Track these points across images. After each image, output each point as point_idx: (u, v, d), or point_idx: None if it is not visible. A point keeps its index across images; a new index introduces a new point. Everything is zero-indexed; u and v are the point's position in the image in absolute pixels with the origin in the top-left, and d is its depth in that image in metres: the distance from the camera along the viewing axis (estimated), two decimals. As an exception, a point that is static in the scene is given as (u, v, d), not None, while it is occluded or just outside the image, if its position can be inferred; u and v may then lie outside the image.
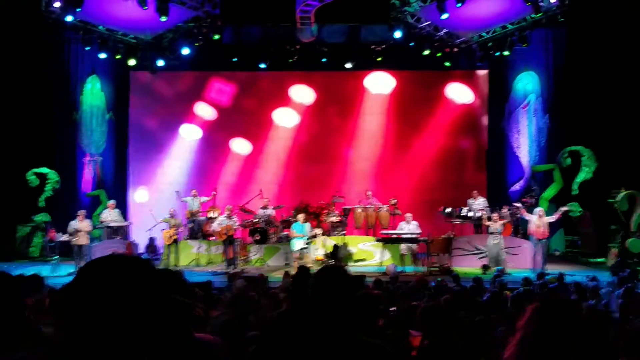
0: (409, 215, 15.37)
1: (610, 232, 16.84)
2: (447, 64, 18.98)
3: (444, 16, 16.29)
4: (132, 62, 18.61)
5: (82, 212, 15.41)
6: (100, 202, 18.58)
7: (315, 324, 2.50)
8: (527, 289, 9.12)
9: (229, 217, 15.37)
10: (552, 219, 14.87)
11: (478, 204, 16.81)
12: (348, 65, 19.17)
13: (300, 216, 15.80)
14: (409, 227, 15.12)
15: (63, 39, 18.22)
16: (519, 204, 15.66)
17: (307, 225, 15.66)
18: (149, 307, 1.54)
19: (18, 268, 13.92)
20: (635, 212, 16.38)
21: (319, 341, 2.45)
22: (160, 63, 19.16)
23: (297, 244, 15.44)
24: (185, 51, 18.48)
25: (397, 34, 17.81)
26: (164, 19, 16.21)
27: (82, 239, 15.04)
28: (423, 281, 10.05)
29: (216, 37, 18.47)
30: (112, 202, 17.38)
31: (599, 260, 16.70)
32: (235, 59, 19.22)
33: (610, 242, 16.12)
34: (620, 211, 16.47)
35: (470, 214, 16.46)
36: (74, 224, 15.04)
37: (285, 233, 17.04)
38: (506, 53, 17.91)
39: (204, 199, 17.60)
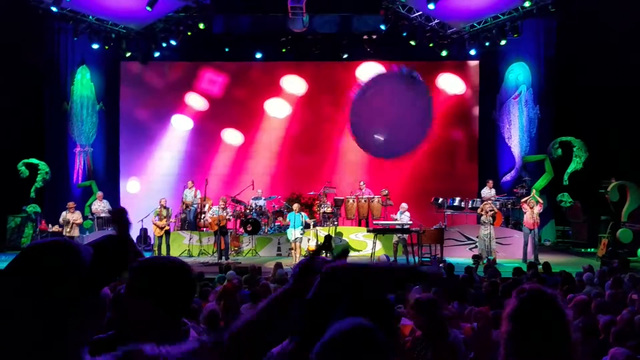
0: (403, 205, 15.37)
1: (601, 222, 16.95)
2: (444, 53, 18.89)
3: (431, 6, 16.31)
4: (122, 52, 18.48)
5: (72, 204, 15.39)
6: (91, 193, 18.52)
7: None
8: (518, 279, 9.19)
9: (223, 208, 15.34)
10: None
11: (488, 193, 16.83)
12: (340, 56, 19.12)
13: (295, 205, 15.79)
14: (401, 217, 15.14)
15: (53, 29, 18.11)
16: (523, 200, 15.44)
17: (303, 214, 15.66)
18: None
19: (9, 259, 13.86)
20: (625, 203, 16.48)
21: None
22: (151, 53, 19.04)
23: (293, 234, 15.44)
24: (177, 41, 18.38)
25: (389, 25, 17.79)
26: (149, 9, 16.14)
27: (74, 231, 15.04)
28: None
29: (207, 27, 18.36)
30: (100, 193, 17.36)
31: (589, 250, 16.81)
32: (226, 49, 19.14)
33: (600, 233, 16.20)
34: (610, 201, 16.56)
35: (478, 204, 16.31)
36: (64, 215, 15.03)
37: (277, 224, 17.06)
38: (502, 43, 17.90)
39: (199, 194, 17.51)
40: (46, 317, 1.44)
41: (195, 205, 17.28)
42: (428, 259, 14.67)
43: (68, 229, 15.01)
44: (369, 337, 1.53)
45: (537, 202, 14.76)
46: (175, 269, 2.24)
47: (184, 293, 2.24)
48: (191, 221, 17.20)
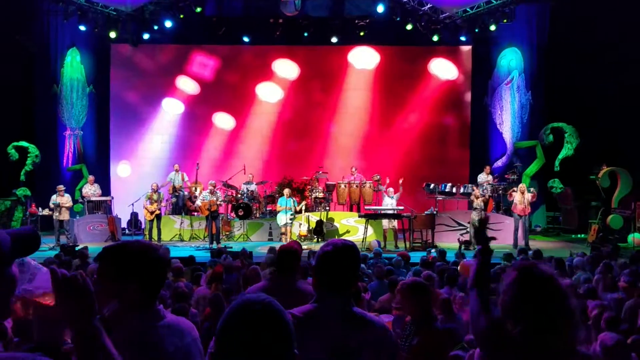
0: (391, 189, 15.39)
1: (591, 208, 17.03)
2: (436, 37, 18.80)
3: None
4: (112, 34, 18.30)
5: (61, 187, 15.31)
6: (81, 176, 18.44)
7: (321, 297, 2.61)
8: (507, 264, 9.23)
9: (212, 192, 15.29)
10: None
11: (485, 179, 16.87)
12: (332, 40, 19.03)
13: (286, 191, 15.78)
14: (392, 201, 15.15)
15: (42, 11, 17.92)
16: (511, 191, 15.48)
17: (292, 199, 15.66)
18: None
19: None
20: (616, 189, 16.56)
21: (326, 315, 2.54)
22: (143, 36, 18.87)
23: (282, 219, 15.45)
24: (168, 24, 18.23)
25: (381, 9, 17.70)
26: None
27: (64, 214, 14.99)
28: (405, 257, 10.14)
29: (198, 9, 18.20)
30: (91, 177, 17.29)
31: (579, 236, 16.90)
32: (218, 33, 18.99)
33: (591, 219, 16.28)
34: (601, 188, 16.63)
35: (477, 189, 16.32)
36: (54, 199, 14.97)
37: (268, 209, 17.05)
38: (492, 28, 17.83)
39: (186, 177, 17.44)
40: None
41: (183, 190, 17.24)
42: (419, 244, 14.71)
43: (57, 213, 14.94)
44: (271, 312, 1.65)
45: (529, 191, 14.81)
46: (143, 251, 2.30)
47: (156, 273, 2.32)
48: (180, 205, 17.14)
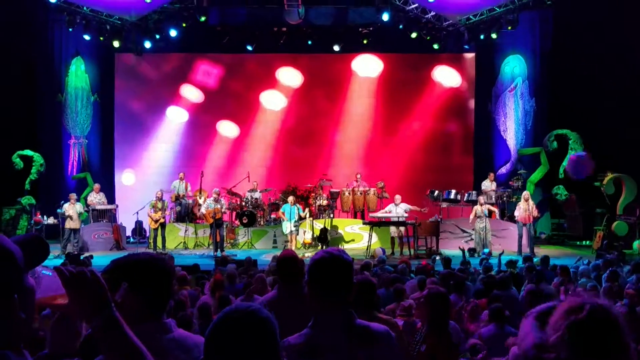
0: (398, 197, 15.36)
1: (596, 215, 16.98)
2: (436, 46, 18.87)
3: (431, -1, 16.22)
4: (116, 43, 18.37)
5: (73, 196, 15.42)
6: (86, 185, 18.47)
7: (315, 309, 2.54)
8: (512, 272, 9.21)
9: (216, 200, 15.30)
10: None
11: (489, 186, 16.86)
12: (336, 48, 19.07)
13: (290, 198, 15.79)
14: (397, 209, 15.12)
15: (47, 20, 18.01)
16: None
17: (297, 207, 15.66)
18: None
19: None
20: (621, 196, 16.52)
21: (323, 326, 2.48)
22: (146, 45, 18.93)
23: (287, 226, 15.44)
24: (173, 33, 18.28)
25: (385, 17, 17.73)
26: (148, 0, 16.01)
27: (75, 223, 15.03)
28: (408, 264, 10.12)
29: (202, 18, 18.26)
30: (97, 185, 17.31)
31: (585, 243, 16.85)
32: (222, 41, 19.04)
33: (596, 225, 16.24)
34: (606, 194, 16.59)
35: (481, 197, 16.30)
36: (66, 208, 15.00)
37: (273, 216, 17.05)
38: (494, 36, 17.85)
39: (189, 187, 17.43)
40: None
41: (186, 198, 17.24)
42: (424, 252, 14.68)
43: (72, 221, 14.98)
44: (256, 318, 1.69)
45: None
46: (151, 263, 2.29)
47: (163, 286, 2.30)
48: (183, 214, 17.13)
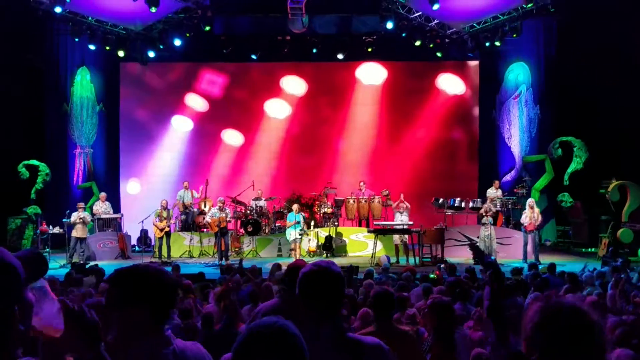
0: (403, 205, 15.35)
1: (602, 222, 16.94)
2: (439, 54, 18.93)
3: (435, 7, 16.20)
4: (121, 53, 18.45)
5: (81, 205, 15.50)
6: (91, 194, 18.53)
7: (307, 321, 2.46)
8: (517, 279, 9.19)
9: (221, 209, 15.31)
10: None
11: (494, 193, 16.84)
12: (340, 56, 19.11)
13: (295, 206, 15.80)
14: (401, 217, 15.14)
15: (52, 31, 18.13)
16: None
17: (302, 215, 15.67)
18: None
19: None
20: (626, 203, 16.48)
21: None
22: (151, 54, 19.01)
23: (292, 234, 15.44)
24: (177, 42, 18.34)
25: (389, 25, 17.75)
26: (153, 10, 16.07)
27: (81, 232, 15.08)
28: (413, 272, 10.11)
29: (207, 28, 18.33)
30: (103, 194, 17.35)
31: (590, 250, 16.80)
32: (226, 50, 19.12)
33: (601, 233, 16.20)
34: (611, 201, 16.55)
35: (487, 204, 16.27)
36: (75, 216, 15.05)
37: (277, 224, 17.05)
38: (497, 43, 17.85)
39: (196, 194, 17.45)
40: None
41: (192, 207, 17.27)
42: (429, 259, 14.66)
43: (78, 230, 15.04)
44: (285, 335, 1.65)
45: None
46: (155, 275, 2.28)
47: (166, 298, 2.30)
48: (189, 223, 17.16)
